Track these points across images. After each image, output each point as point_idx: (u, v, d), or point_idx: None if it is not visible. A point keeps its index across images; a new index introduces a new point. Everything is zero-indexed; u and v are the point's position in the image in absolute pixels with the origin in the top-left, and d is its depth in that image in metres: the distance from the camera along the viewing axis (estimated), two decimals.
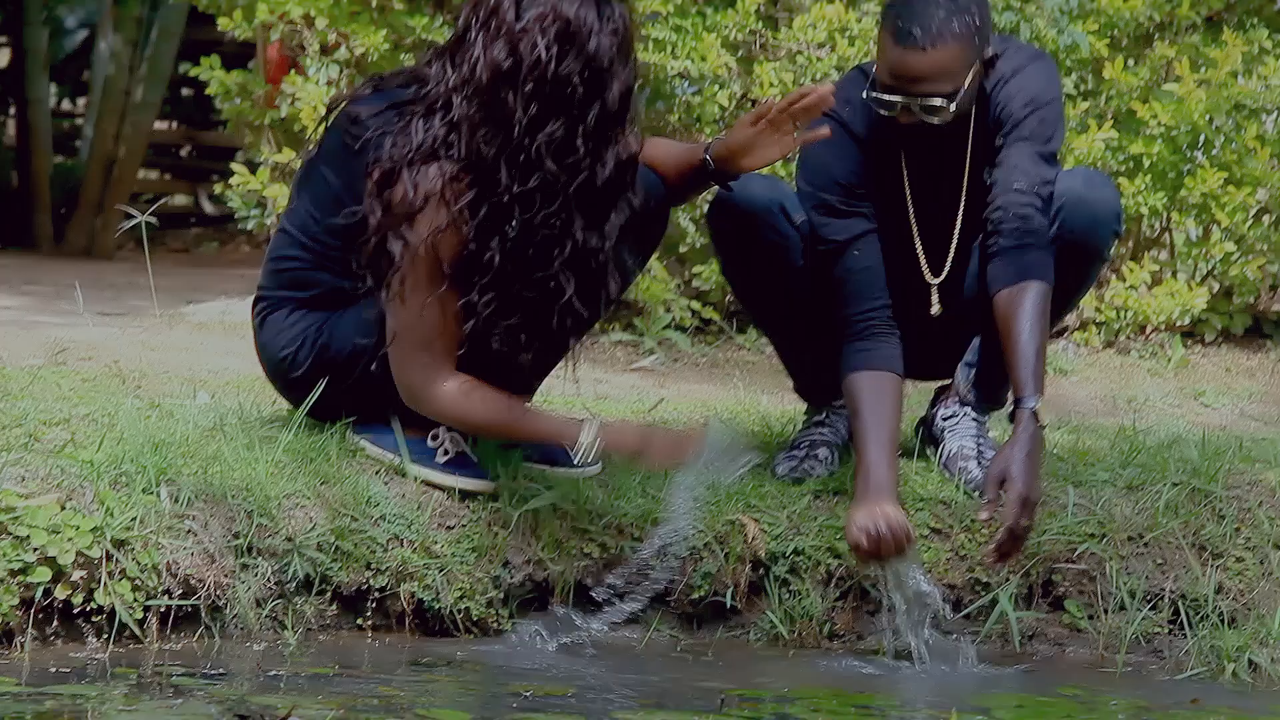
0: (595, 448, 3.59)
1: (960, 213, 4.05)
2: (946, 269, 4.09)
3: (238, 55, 10.05)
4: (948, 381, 4.22)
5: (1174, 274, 6.63)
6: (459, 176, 3.43)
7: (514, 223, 3.45)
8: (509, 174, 3.43)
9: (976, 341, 4.15)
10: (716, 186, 3.88)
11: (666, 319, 6.27)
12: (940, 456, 4.13)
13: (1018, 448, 3.69)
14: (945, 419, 4.18)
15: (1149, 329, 6.56)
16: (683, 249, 6.42)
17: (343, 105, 3.66)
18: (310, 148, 3.72)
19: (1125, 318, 6.48)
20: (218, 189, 6.97)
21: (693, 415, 4.76)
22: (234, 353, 5.45)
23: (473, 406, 3.56)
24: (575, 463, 3.75)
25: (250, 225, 6.54)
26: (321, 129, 3.71)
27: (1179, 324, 6.51)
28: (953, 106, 3.82)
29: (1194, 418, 5.58)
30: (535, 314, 3.54)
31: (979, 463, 4.03)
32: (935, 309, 4.10)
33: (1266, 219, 6.53)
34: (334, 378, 3.62)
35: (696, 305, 6.39)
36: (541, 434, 3.67)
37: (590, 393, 5.15)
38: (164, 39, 11.41)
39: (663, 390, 5.45)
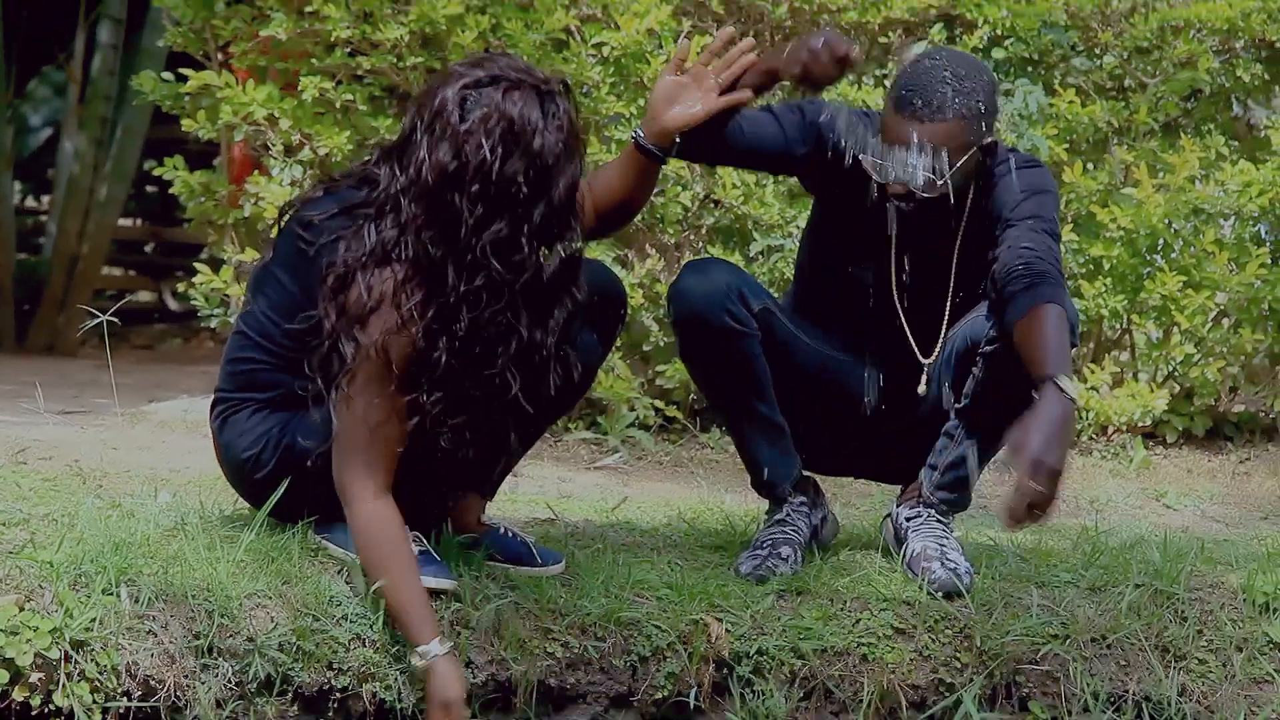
0: (420, 672, 3.46)
1: (949, 299, 4.09)
2: (937, 349, 4.13)
3: (202, 154, 10.05)
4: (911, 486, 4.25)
5: (1135, 375, 6.66)
6: (410, 278, 3.44)
7: (462, 321, 3.45)
8: (456, 274, 3.43)
9: (940, 444, 4.16)
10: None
11: (630, 417, 6.27)
12: (903, 556, 4.13)
13: (1035, 416, 3.61)
14: (909, 519, 4.18)
15: (1111, 430, 6.58)
16: (646, 347, 6.43)
17: (294, 209, 3.66)
18: (267, 253, 3.71)
19: (1087, 418, 6.50)
20: (181, 287, 6.97)
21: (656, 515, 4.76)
22: (196, 451, 5.42)
23: (371, 535, 3.47)
24: (538, 563, 3.76)
25: (214, 324, 6.54)
26: (275, 232, 3.70)
27: (1140, 425, 6.53)
28: (941, 182, 3.86)
29: (1156, 519, 5.59)
30: (482, 412, 3.53)
31: (942, 563, 4.03)
32: (923, 388, 4.13)
33: (1226, 322, 6.57)
34: (298, 478, 3.61)
35: (660, 404, 6.39)
36: (397, 608, 3.48)
37: (554, 491, 5.16)
38: (128, 137, 11.41)
39: (626, 489, 5.44)
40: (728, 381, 4.11)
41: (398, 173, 3.48)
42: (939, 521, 4.16)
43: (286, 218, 3.67)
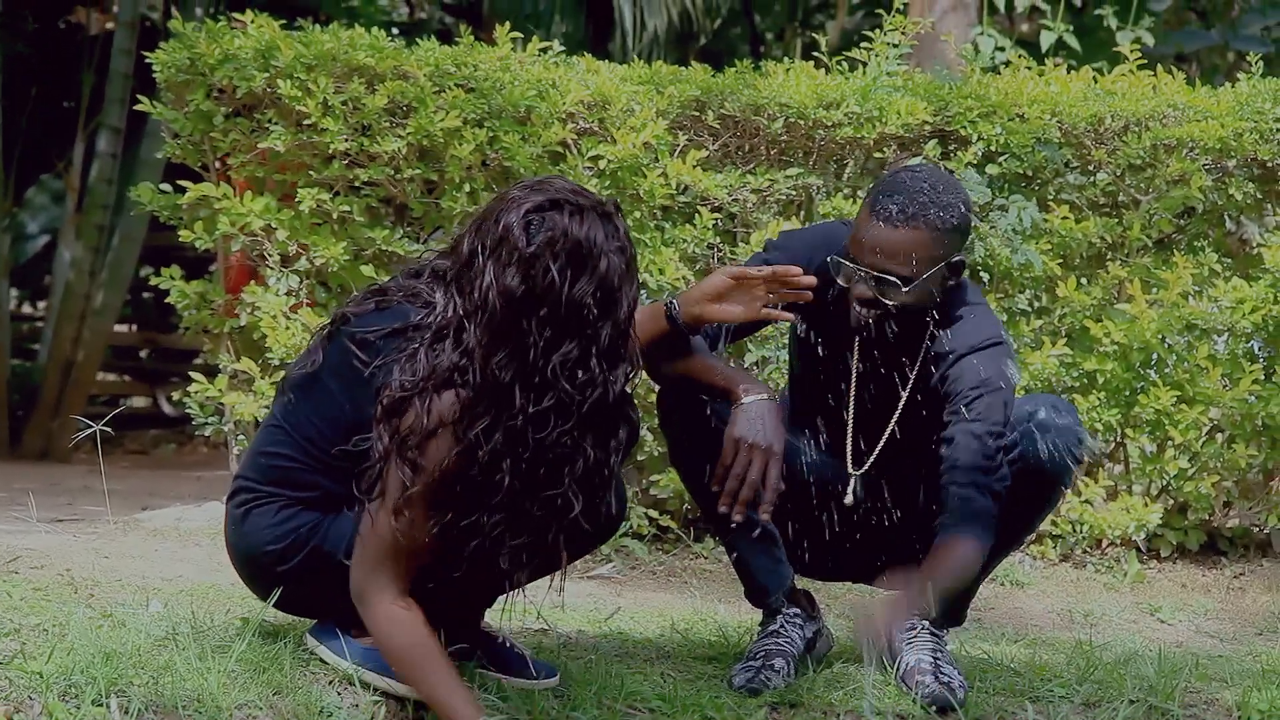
0: None
1: (894, 419, 4.11)
2: (868, 463, 4.16)
3: (199, 260, 10.10)
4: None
5: (1129, 489, 6.66)
6: (476, 402, 3.44)
7: (529, 443, 3.45)
8: (524, 396, 3.43)
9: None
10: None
11: (624, 527, 6.26)
12: (897, 670, 4.12)
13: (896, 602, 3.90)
14: (902, 632, 4.18)
15: (1105, 543, 6.57)
16: (640, 457, 6.43)
17: (345, 320, 3.63)
18: (315, 355, 3.66)
19: (1081, 532, 6.50)
20: (175, 394, 6.98)
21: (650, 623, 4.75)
22: (188, 560, 5.42)
23: (397, 636, 3.51)
24: (532, 676, 3.76)
25: (208, 432, 6.54)
26: (323, 338, 3.67)
27: (1134, 539, 6.53)
28: (906, 290, 3.90)
29: (1150, 634, 5.57)
30: (541, 532, 3.54)
31: (935, 677, 4.02)
32: (849, 499, 4.16)
33: (1220, 437, 6.58)
34: (317, 578, 3.59)
35: (654, 513, 6.38)
36: (437, 700, 3.49)
37: (547, 600, 5.13)
38: (125, 245, 11.48)
39: (620, 598, 5.43)
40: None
41: (457, 298, 3.49)
42: (932, 635, 4.15)
43: (336, 324, 3.67)
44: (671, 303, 3.90)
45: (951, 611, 4.19)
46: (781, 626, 4.19)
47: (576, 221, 3.45)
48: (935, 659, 4.09)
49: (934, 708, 3.96)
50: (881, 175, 4.05)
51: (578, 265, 3.43)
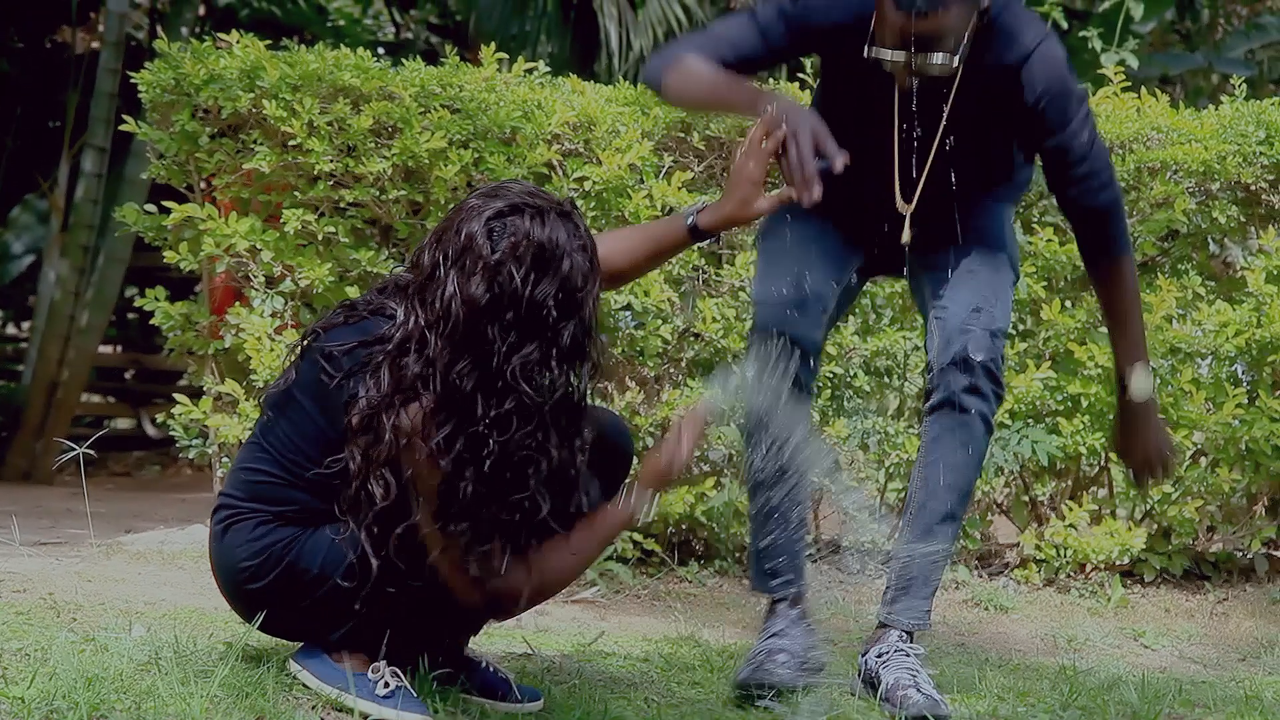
0: (653, 506, 3.75)
1: (934, 147, 4.17)
2: (915, 198, 4.20)
3: (184, 281, 10.09)
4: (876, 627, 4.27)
5: (1113, 513, 6.66)
6: (438, 411, 3.44)
7: (492, 447, 3.45)
8: (485, 402, 3.44)
9: (892, 556, 4.23)
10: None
11: (608, 550, 6.25)
12: (880, 693, 4.13)
13: (1128, 431, 4.32)
14: (878, 657, 4.20)
15: (1089, 568, 6.57)
16: (626, 480, 6.42)
17: (316, 335, 3.65)
18: (290, 373, 3.68)
19: (1065, 556, 6.50)
20: (160, 416, 6.97)
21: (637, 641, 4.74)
22: (171, 584, 5.40)
23: (549, 568, 3.63)
24: (516, 699, 3.76)
25: (192, 454, 6.52)
26: (295, 355, 3.69)
27: (1118, 563, 6.53)
28: (955, 61, 3.97)
29: (1134, 658, 5.57)
30: (511, 536, 3.54)
31: (918, 689, 4.03)
32: (906, 237, 4.17)
33: (1203, 461, 6.58)
34: (293, 596, 3.59)
35: (638, 537, 6.38)
36: (612, 533, 3.74)
37: (531, 624, 5.13)
38: (110, 265, 11.46)
39: (604, 622, 5.42)
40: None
41: (419, 309, 3.49)
42: (907, 655, 4.17)
43: (307, 340, 3.68)
44: (693, 222, 3.99)
45: (914, 601, 4.22)
46: (786, 627, 4.22)
47: (538, 224, 3.47)
48: (914, 676, 4.10)
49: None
50: None
51: (540, 267, 3.45)
